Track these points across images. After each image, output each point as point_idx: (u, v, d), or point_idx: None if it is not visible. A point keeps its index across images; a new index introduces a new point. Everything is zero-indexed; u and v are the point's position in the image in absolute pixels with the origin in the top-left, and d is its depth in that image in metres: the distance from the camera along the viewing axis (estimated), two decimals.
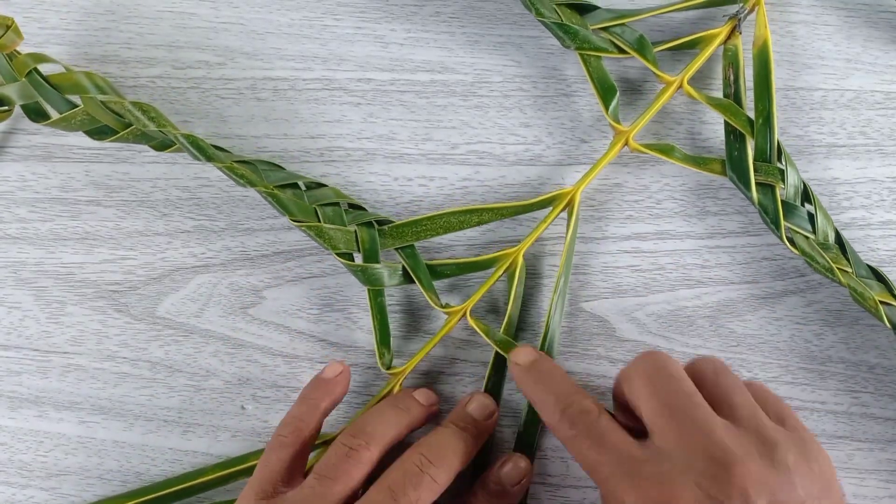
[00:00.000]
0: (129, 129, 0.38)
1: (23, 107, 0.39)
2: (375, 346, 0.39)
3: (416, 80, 0.43)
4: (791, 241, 0.39)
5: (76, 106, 0.38)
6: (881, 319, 0.38)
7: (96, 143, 0.42)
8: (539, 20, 0.40)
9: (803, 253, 0.39)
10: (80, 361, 0.41)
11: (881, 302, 0.38)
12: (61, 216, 0.42)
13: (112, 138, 0.39)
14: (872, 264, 0.41)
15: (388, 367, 0.40)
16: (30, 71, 0.38)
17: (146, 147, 0.43)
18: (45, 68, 0.39)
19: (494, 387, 0.40)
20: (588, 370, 0.41)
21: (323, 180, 0.42)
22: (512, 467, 0.38)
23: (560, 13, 0.41)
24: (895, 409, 0.41)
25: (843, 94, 0.43)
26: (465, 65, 0.43)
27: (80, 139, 0.42)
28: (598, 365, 0.41)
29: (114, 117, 0.38)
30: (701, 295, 0.42)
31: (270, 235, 0.42)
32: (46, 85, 0.38)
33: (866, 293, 0.38)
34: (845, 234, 0.42)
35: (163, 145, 0.39)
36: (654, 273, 0.42)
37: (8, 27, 0.40)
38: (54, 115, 0.39)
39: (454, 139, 0.43)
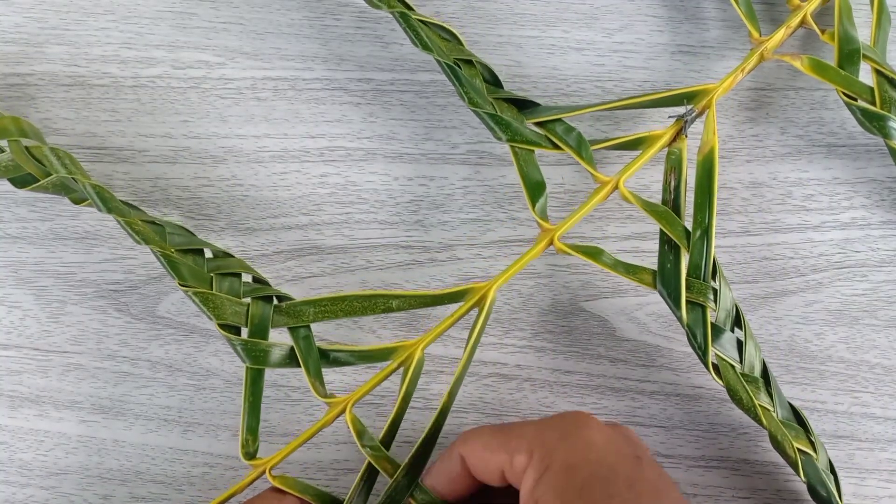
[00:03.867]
0: (48, 179, 0.37)
1: None
2: (241, 432, 0.36)
3: (416, 80, 0.43)
4: (716, 368, 0.37)
5: (3, 151, 0.38)
6: (798, 473, 0.36)
7: (96, 143, 0.42)
8: (471, 109, 0.39)
9: (728, 385, 0.36)
10: (81, 361, 0.41)
11: (799, 451, 0.36)
12: (61, 216, 0.42)
13: (32, 187, 0.38)
14: (872, 264, 0.41)
15: (251, 458, 0.36)
16: None
17: (147, 146, 0.43)
18: None
19: (361, 496, 0.36)
20: (588, 370, 0.41)
21: (323, 180, 0.42)
22: None
23: (496, 107, 0.39)
24: (895, 409, 0.41)
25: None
26: None
27: (81, 138, 0.42)
28: (598, 364, 0.41)
29: (36, 165, 0.38)
30: None
31: (270, 235, 0.42)
32: None
33: (786, 442, 0.36)
34: (845, 234, 0.42)
35: (80, 199, 0.38)
36: None
37: None
38: None
39: (454, 139, 0.43)
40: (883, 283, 0.42)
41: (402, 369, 0.37)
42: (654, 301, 0.42)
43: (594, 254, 0.37)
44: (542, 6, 0.44)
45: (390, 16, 0.44)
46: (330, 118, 0.43)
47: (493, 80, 0.40)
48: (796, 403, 0.41)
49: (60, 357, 0.41)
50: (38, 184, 0.38)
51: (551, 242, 0.38)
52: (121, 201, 0.38)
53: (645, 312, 0.42)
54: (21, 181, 0.39)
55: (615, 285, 0.42)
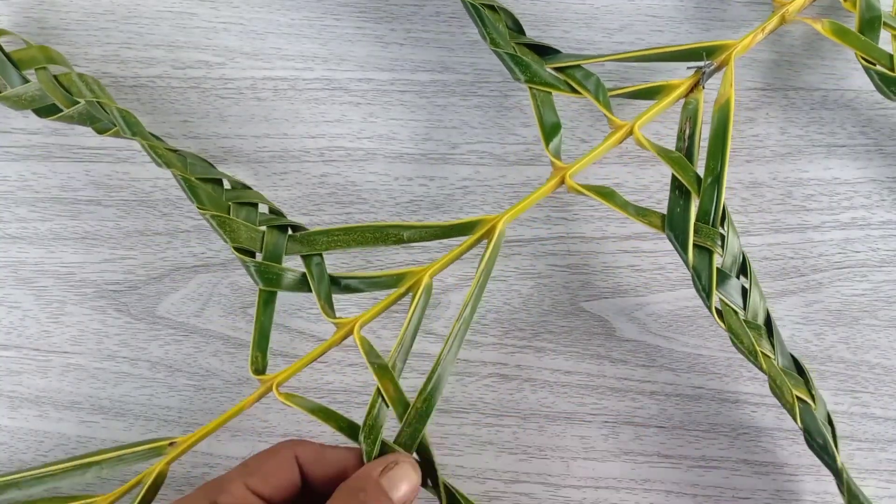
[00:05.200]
0: (74, 108, 0.38)
1: None
2: (251, 350, 0.37)
3: (416, 80, 0.43)
4: (719, 313, 0.37)
5: (29, 82, 0.39)
6: (794, 418, 0.36)
7: (96, 143, 0.42)
8: (492, 49, 0.39)
9: (730, 328, 0.37)
10: (80, 361, 0.41)
11: (798, 398, 0.37)
12: (61, 216, 0.42)
13: (57, 116, 0.39)
14: (872, 264, 0.41)
15: (260, 374, 0.37)
16: None
17: None
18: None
19: (378, 416, 0.36)
20: (588, 370, 0.41)
21: (323, 180, 0.42)
22: (400, 476, 0.34)
23: (517, 50, 0.39)
24: (895, 409, 0.41)
25: (843, 94, 0.43)
26: (465, 65, 0.43)
27: (79, 139, 0.42)
28: (599, 364, 0.41)
29: (63, 93, 0.38)
30: None
31: None
32: (6, 60, 0.39)
33: (785, 388, 0.37)
34: (845, 234, 0.42)
35: (104, 128, 0.39)
36: (654, 273, 0.42)
37: None
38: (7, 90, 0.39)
39: (454, 139, 0.43)
40: (883, 283, 0.42)
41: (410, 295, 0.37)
42: (654, 301, 0.42)
43: (606, 194, 0.38)
44: (542, 6, 0.44)
45: (390, 16, 0.44)
46: (330, 118, 0.43)
47: (516, 28, 0.41)
48: None
49: (60, 357, 0.41)
50: (62, 113, 0.39)
51: (563, 181, 0.38)
52: (139, 121, 0.38)
53: (645, 312, 0.42)
54: (46, 111, 0.39)
55: (615, 285, 0.42)
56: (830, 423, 0.38)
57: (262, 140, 0.43)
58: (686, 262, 0.37)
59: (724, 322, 0.37)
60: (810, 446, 0.37)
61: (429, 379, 0.36)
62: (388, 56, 0.43)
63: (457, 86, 0.43)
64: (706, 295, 0.37)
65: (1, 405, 0.41)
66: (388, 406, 0.36)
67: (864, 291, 0.42)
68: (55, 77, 0.39)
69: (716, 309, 0.37)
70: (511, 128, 0.43)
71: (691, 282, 0.41)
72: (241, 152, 0.43)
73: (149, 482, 0.36)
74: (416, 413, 0.36)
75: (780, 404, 0.37)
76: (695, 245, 0.37)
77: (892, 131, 0.43)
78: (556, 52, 0.40)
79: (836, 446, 0.37)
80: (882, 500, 0.41)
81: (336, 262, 0.42)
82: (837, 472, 0.37)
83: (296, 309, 0.42)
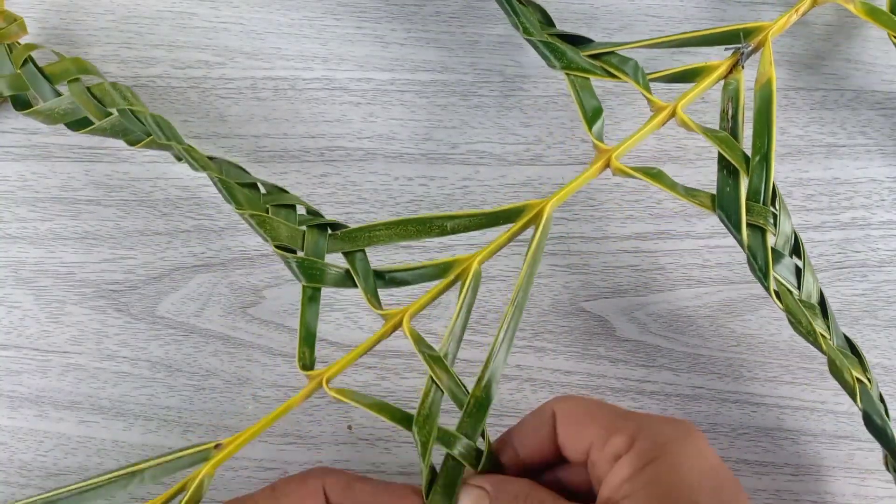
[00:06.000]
0: (107, 119, 0.38)
1: (11, 97, 0.40)
2: (298, 346, 0.36)
3: (416, 79, 0.43)
4: (777, 294, 0.36)
5: (61, 95, 0.39)
6: (855, 400, 0.36)
7: (96, 142, 0.42)
8: (526, 38, 0.39)
9: (787, 309, 0.36)
10: (80, 361, 0.41)
11: (857, 380, 0.36)
12: (61, 216, 0.42)
13: (89, 129, 0.39)
14: (872, 264, 0.41)
15: (308, 370, 0.36)
16: (25, 61, 0.38)
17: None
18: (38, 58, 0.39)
19: (433, 406, 0.35)
20: (588, 370, 0.41)
21: (323, 180, 0.42)
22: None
23: (550, 40, 0.39)
24: (895, 409, 0.41)
25: (843, 94, 0.43)
26: (465, 65, 0.43)
27: (80, 139, 0.42)
28: (599, 365, 0.41)
29: (95, 105, 0.38)
30: (701, 295, 0.42)
31: None
32: (39, 75, 0.39)
33: (845, 369, 0.36)
34: (845, 234, 0.42)
35: (136, 140, 0.39)
36: (654, 273, 0.42)
37: (14, 20, 0.41)
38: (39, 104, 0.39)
39: (454, 139, 0.43)
40: (883, 283, 0.42)
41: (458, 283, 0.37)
42: (654, 301, 0.42)
43: (655, 175, 0.37)
44: (541, 6, 0.44)
45: (390, 16, 0.44)
46: (330, 118, 0.43)
47: (546, 21, 0.40)
48: (796, 403, 0.41)
49: (60, 357, 0.41)
50: (95, 126, 0.38)
51: (608, 164, 0.38)
52: (174, 127, 0.38)
53: (645, 312, 0.42)
54: (77, 124, 0.39)
55: (615, 285, 0.42)
56: (882, 401, 0.38)
57: (262, 140, 0.43)
58: (740, 242, 0.36)
59: (781, 303, 0.36)
60: (868, 427, 0.37)
61: (485, 367, 0.35)
62: (388, 56, 0.43)
63: (457, 86, 0.43)
64: (763, 275, 0.36)
65: (1, 405, 0.41)
66: (442, 393, 0.35)
67: (864, 291, 0.42)
68: (88, 88, 0.39)
69: (773, 290, 0.36)
70: (511, 128, 0.43)
71: (688, 280, 0.41)
72: (240, 152, 0.43)
73: (192, 487, 0.35)
74: (476, 402, 0.35)
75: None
76: (748, 224, 0.36)
77: (892, 131, 0.43)
78: (589, 41, 0.40)
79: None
80: (883, 500, 0.41)
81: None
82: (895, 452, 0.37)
83: (296, 309, 0.42)
